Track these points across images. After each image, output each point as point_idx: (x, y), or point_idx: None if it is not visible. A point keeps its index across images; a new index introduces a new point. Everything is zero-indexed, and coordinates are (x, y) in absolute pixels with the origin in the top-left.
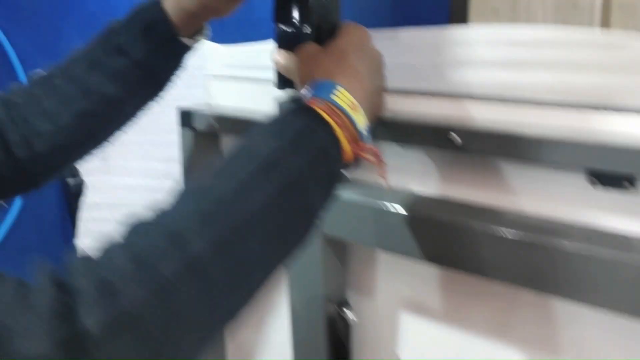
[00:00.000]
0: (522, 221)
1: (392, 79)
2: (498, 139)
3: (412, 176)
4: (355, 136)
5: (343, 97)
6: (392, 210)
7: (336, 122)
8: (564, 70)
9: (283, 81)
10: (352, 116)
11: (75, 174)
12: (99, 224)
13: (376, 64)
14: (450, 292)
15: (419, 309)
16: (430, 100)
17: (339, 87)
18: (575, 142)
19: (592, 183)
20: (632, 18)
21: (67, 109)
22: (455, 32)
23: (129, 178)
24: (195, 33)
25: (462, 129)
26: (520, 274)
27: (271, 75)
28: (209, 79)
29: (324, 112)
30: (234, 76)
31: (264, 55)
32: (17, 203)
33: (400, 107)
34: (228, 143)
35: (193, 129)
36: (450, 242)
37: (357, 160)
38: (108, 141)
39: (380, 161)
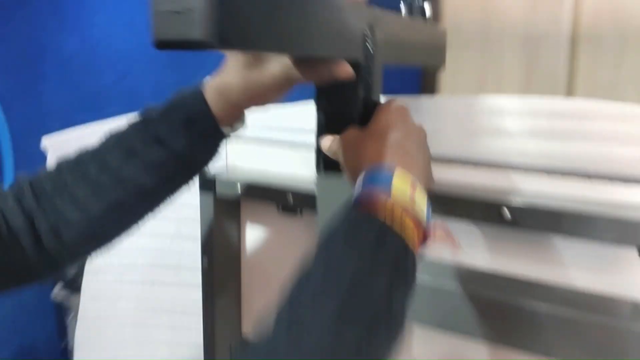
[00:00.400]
0: (574, 298)
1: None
2: (548, 214)
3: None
4: (422, 219)
5: (401, 180)
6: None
7: (402, 215)
8: (607, 142)
9: (328, 165)
10: (416, 198)
11: None
12: (105, 284)
13: (421, 138)
14: None
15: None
16: (473, 170)
17: (396, 170)
18: (626, 220)
19: None
20: (599, 49)
21: (99, 198)
22: (487, 102)
23: (138, 237)
24: (236, 121)
25: (513, 204)
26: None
27: (296, 138)
28: (230, 140)
29: (388, 207)
30: (257, 138)
31: (290, 118)
32: None
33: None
34: (248, 208)
35: (214, 194)
36: (501, 319)
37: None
38: (137, 227)
39: (450, 237)
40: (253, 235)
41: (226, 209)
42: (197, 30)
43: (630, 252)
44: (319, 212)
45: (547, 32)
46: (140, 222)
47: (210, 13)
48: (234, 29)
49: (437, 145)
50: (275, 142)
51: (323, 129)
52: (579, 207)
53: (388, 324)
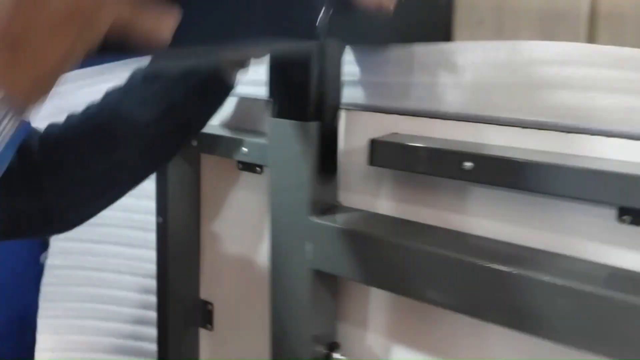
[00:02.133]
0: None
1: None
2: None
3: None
4: None
5: None
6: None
7: None
8: (592, 91)
9: None
10: None
11: None
12: (72, 243)
13: None
14: (448, 329)
15: (415, 345)
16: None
17: None
18: (607, 173)
19: (623, 221)
20: (619, 28)
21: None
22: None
23: None
24: None
25: (476, 155)
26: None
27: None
28: None
29: None
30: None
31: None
32: None
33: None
34: (209, 161)
35: None
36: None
37: None
38: None
39: None
40: (213, 194)
41: (182, 164)
42: None
43: (608, 213)
44: (269, 157)
45: (565, 10)
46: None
47: None
48: None
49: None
50: (237, 95)
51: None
52: (549, 159)
53: None
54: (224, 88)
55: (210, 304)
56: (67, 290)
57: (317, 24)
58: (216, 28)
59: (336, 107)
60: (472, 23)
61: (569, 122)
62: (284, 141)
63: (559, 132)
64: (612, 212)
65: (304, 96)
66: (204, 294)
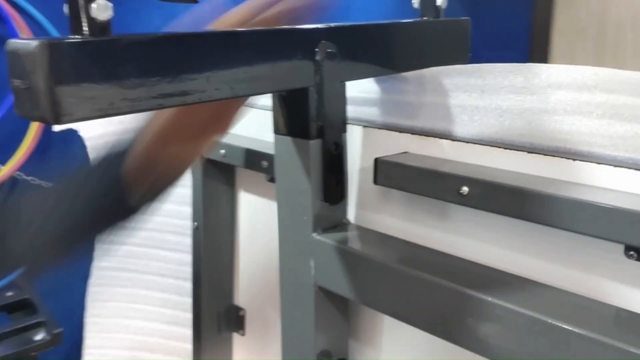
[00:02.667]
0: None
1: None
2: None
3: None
4: None
5: None
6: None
7: None
8: (609, 118)
9: None
10: None
11: None
12: (117, 246)
13: None
14: None
15: None
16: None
17: None
18: (613, 210)
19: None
20: None
21: None
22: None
23: None
24: None
25: (472, 180)
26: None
27: None
28: None
29: None
30: (253, 104)
31: None
32: None
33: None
34: (243, 176)
35: (204, 157)
36: (450, 310)
37: None
38: None
39: None
40: (248, 203)
41: (217, 174)
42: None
43: (615, 249)
44: (276, 172)
45: None
46: None
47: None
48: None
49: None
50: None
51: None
52: (553, 190)
53: None
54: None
55: (243, 309)
56: (112, 291)
57: None
58: None
59: (341, 125)
60: (572, 32)
61: (581, 148)
62: (288, 158)
63: (570, 160)
64: (619, 247)
65: (304, 114)
66: (237, 300)
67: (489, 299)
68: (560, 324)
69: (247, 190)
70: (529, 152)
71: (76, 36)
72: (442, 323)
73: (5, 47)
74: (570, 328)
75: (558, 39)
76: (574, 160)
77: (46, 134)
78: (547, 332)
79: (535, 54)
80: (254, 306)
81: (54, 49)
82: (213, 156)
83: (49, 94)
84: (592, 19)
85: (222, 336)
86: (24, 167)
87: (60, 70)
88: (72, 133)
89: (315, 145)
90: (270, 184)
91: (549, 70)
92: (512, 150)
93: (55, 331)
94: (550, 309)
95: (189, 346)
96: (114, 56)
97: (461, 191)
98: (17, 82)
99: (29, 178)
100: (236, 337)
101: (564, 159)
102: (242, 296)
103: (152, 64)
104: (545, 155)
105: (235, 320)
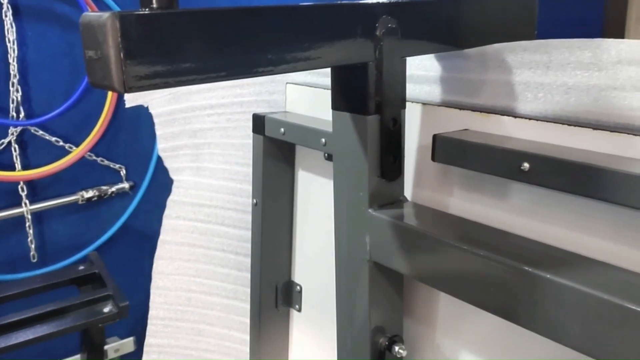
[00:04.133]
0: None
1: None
2: (571, 169)
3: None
4: None
5: None
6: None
7: None
8: None
9: None
10: None
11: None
12: (182, 221)
13: None
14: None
15: (481, 352)
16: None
17: None
18: None
19: None
20: None
21: None
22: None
23: (213, 179)
24: None
25: (534, 156)
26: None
27: None
28: (289, 85)
29: None
30: (312, 83)
31: None
32: (140, 191)
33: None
34: (302, 154)
35: (264, 135)
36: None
37: None
38: None
39: None
40: (306, 181)
41: (276, 152)
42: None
43: None
44: (334, 148)
45: None
46: None
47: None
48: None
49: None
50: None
51: None
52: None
53: None
54: None
55: (299, 285)
56: (176, 264)
57: None
58: None
59: (400, 101)
60: None
61: None
62: (345, 134)
63: (638, 137)
64: None
65: (363, 89)
66: (294, 276)
67: (551, 277)
68: (625, 304)
69: (306, 168)
70: (594, 129)
71: (145, 9)
72: (501, 301)
73: (80, 21)
74: (635, 308)
75: (634, 27)
76: None
77: (117, 117)
78: (612, 312)
79: (608, 35)
80: (311, 283)
81: (124, 20)
82: (273, 134)
83: (119, 64)
84: None
85: (280, 311)
86: (94, 149)
87: (130, 41)
88: (141, 116)
89: (373, 121)
90: (327, 162)
91: (620, 46)
92: (577, 127)
93: (122, 304)
94: (615, 289)
95: (247, 320)
96: (180, 28)
97: (522, 167)
98: (90, 53)
99: (99, 159)
100: (293, 313)
101: (630, 136)
102: (299, 272)
103: (216, 37)
104: (611, 132)
105: (292, 295)
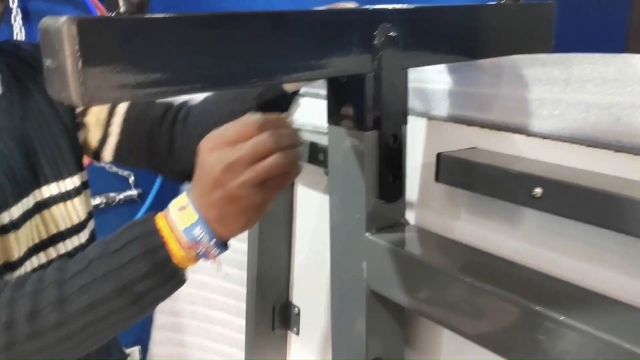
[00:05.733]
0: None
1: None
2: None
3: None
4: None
5: (178, 200)
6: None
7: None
8: None
9: None
10: (175, 218)
11: None
12: None
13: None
14: None
15: None
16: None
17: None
18: None
19: None
20: None
21: None
22: None
23: None
24: None
25: (548, 180)
26: None
27: None
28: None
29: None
30: (312, 93)
31: None
32: (149, 198)
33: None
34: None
35: None
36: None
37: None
38: None
39: (213, 260)
40: (305, 197)
41: None
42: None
43: None
44: (329, 165)
45: None
46: None
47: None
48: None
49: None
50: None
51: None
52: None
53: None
54: None
55: (298, 307)
56: None
57: None
58: None
59: (400, 116)
60: None
61: None
62: (342, 151)
63: None
64: None
65: (360, 103)
66: (291, 297)
67: (562, 318)
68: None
69: (305, 184)
70: (615, 151)
71: (110, 14)
72: (508, 341)
73: (39, 26)
74: None
75: None
76: None
77: None
78: (626, 358)
79: (632, 50)
80: (310, 304)
81: (82, 25)
82: None
83: (76, 74)
84: None
85: (277, 334)
86: None
87: (89, 48)
88: None
89: (371, 137)
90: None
91: None
92: (596, 149)
93: None
94: (630, 332)
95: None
96: (148, 36)
97: (534, 193)
98: (48, 62)
99: (107, 165)
100: (291, 336)
101: None
102: (297, 293)
103: (190, 46)
104: (635, 155)
105: (290, 317)
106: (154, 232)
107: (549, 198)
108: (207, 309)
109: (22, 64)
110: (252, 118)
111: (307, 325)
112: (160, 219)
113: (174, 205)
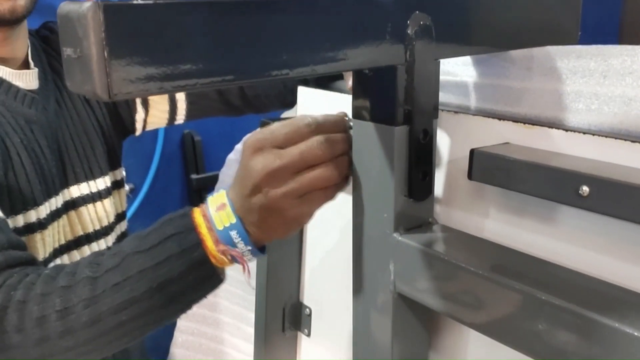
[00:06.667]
0: None
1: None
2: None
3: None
4: (216, 237)
5: (217, 197)
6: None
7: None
8: None
9: None
10: (213, 216)
11: (199, 171)
12: None
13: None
14: None
15: None
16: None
17: (222, 188)
18: None
19: None
20: None
21: None
22: None
23: None
24: None
25: (597, 179)
26: None
27: None
28: (300, 88)
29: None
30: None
31: None
32: (141, 194)
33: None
34: None
35: None
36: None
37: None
38: None
39: (243, 266)
40: None
41: None
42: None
43: None
44: (354, 162)
45: None
46: None
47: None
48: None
49: None
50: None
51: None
52: None
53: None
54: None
55: (309, 307)
56: None
57: None
58: None
59: (432, 110)
60: None
61: None
62: (368, 147)
63: None
64: None
65: (391, 96)
66: (303, 297)
67: (605, 321)
68: None
69: None
70: None
71: None
72: (544, 345)
73: (57, 11)
74: None
75: None
76: None
77: None
78: None
79: (625, 43)
80: (322, 305)
81: (109, 11)
82: None
83: (102, 64)
84: None
85: (287, 336)
86: None
87: (117, 36)
88: None
89: (401, 132)
90: None
91: None
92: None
93: None
94: None
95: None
96: (179, 22)
97: (581, 191)
98: (68, 51)
99: None
100: (301, 338)
101: None
102: (308, 294)
103: (222, 34)
104: None
105: (300, 318)
106: (192, 230)
107: (597, 197)
108: (217, 314)
109: (58, 53)
110: (305, 120)
111: (319, 327)
112: (198, 216)
113: (213, 202)
